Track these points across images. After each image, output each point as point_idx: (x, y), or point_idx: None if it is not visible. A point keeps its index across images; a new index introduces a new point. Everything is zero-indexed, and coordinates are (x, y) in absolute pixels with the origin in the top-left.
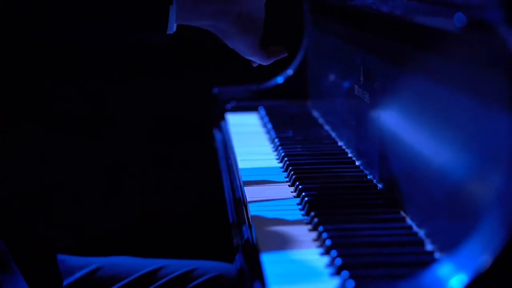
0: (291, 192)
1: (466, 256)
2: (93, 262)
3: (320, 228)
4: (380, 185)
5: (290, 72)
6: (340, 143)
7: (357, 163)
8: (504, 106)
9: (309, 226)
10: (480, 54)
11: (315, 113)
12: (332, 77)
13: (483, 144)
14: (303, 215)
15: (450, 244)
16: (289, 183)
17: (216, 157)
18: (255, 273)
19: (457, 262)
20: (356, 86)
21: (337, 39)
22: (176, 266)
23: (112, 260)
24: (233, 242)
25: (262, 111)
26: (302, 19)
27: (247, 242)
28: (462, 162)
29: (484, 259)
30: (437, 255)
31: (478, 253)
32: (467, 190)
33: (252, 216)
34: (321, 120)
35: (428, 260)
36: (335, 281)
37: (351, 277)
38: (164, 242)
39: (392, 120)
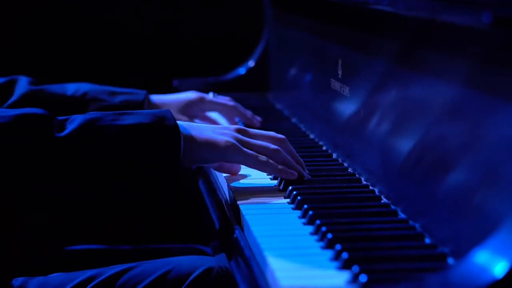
0: (275, 186)
1: (504, 242)
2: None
3: (318, 221)
4: (363, 178)
5: (251, 63)
6: (311, 136)
7: (334, 155)
8: None
9: (303, 220)
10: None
11: (278, 105)
12: (300, 70)
13: (500, 140)
14: (293, 208)
15: (449, 238)
16: (270, 177)
17: None
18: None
19: (495, 249)
20: (332, 80)
21: (308, 33)
22: (143, 270)
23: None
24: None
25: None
26: (262, 11)
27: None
28: (461, 154)
29: None
30: (441, 249)
31: None
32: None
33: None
34: (286, 113)
35: (429, 254)
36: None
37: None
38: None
39: (379, 113)
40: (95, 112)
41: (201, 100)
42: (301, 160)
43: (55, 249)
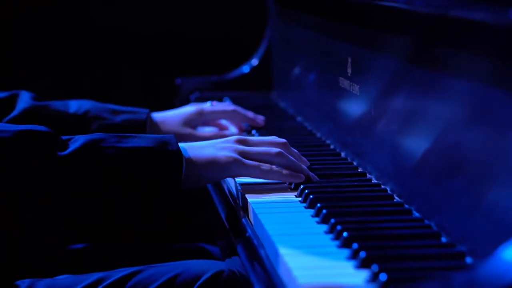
0: (287, 186)
1: None
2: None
3: (332, 220)
4: (373, 176)
5: (255, 62)
6: (318, 135)
7: (342, 154)
8: None
9: (317, 219)
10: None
11: (282, 104)
12: (305, 68)
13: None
14: (305, 207)
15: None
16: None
17: None
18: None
19: None
20: (341, 78)
21: (314, 31)
22: (151, 273)
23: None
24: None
25: (228, 102)
26: (265, 9)
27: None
28: (477, 152)
29: None
30: (459, 248)
31: None
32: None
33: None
34: (291, 111)
35: (447, 253)
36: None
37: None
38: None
39: (390, 111)
40: (99, 133)
41: (200, 113)
42: (306, 160)
43: (60, 248)
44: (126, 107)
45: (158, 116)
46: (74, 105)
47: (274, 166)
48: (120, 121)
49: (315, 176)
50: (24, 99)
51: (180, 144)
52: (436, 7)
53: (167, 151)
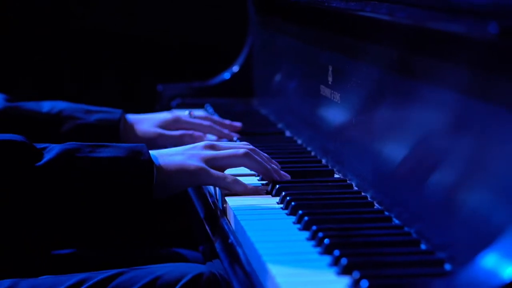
0: (267, 195)
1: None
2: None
3: (314, 227)
4: (354, 183)
5: (235, 68)
6: (299, 141)
7: (323, 161)
8: None
9: (298, 226)
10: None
11: (264, 111)
12: (287, 76)
13: (496, 144)
14: (287, 214)
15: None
16: (260, 181)
17: None
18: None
19: (503, 253)
20: (322, 86)
21: (295, 39)
22: (133, 275)
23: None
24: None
25: (210, 108)
26: (246, 17)
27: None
28: (455, 159)
29: None
30: (438, 255)
31: None
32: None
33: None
34: (272, 118)
35: (427, 260)
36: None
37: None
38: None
39: (370, 119)
40: (72, 142)
41: (176, 120)
42: (276, 162)
43: (44, 252)
44: (100, 107)
45: (132, 117)
46: (48, 105)
47: (238, 179)
48: (94, 121)
49: (287, 174)
50: None
51: (150, 152)
52: (416, 19)
53: (138, 161)
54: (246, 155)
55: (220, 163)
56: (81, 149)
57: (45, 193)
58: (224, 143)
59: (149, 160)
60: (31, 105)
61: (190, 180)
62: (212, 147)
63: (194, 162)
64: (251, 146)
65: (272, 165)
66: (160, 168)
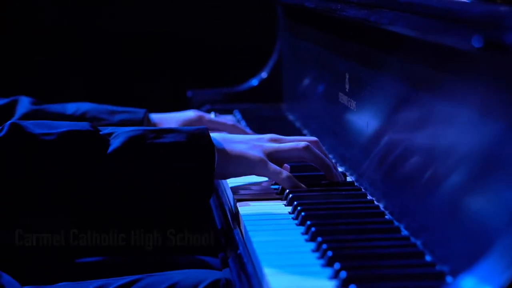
0: (281, 200)
1: (489, 270)
2: None
3: (319, 239)
4: (368, 192)
5: (264, 75)
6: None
7: (341, 169)
8: None
9: (306, 236)
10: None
11: (291, 117)
12: (311, 82)
13: (500, 161)
14: (297, 224)
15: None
16: (276, 191)
17: None
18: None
19: (481, 277)
20: (340, 93)
21: (319, 46)
22: (150, 282)
23: None
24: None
25: (238, 114)
26: (275, 23)
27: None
28: (462, 172)
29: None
30: (438, 267)
31: (502, 267)
32: (466, 200)
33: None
34: (298, 124)
35: (428, 273)
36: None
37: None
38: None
39: (385, 128)
40: (135, 128)
41: (200, 119)
42: (331, 162)
43: (63, 260)
44: (124, 108)
45: (156, 116)
46: (72, 107)
47: (293, 177)
48: (117, 121)
49: (341, 175)
50: (24, 104)
51: (213, 135)
52: (417, 31)
53: (199, 146)
54: (306, 148)
55: (280, 156)
56: (146, 136)
57: (111, 180)
58: (288, 137)
59: (210, 144)
60: (56, 107)
61: (247, 169)
62: (276, 140)
63: (255, 152)
64: (314, 138)
65: (329, 163)
66: (221, 152)
